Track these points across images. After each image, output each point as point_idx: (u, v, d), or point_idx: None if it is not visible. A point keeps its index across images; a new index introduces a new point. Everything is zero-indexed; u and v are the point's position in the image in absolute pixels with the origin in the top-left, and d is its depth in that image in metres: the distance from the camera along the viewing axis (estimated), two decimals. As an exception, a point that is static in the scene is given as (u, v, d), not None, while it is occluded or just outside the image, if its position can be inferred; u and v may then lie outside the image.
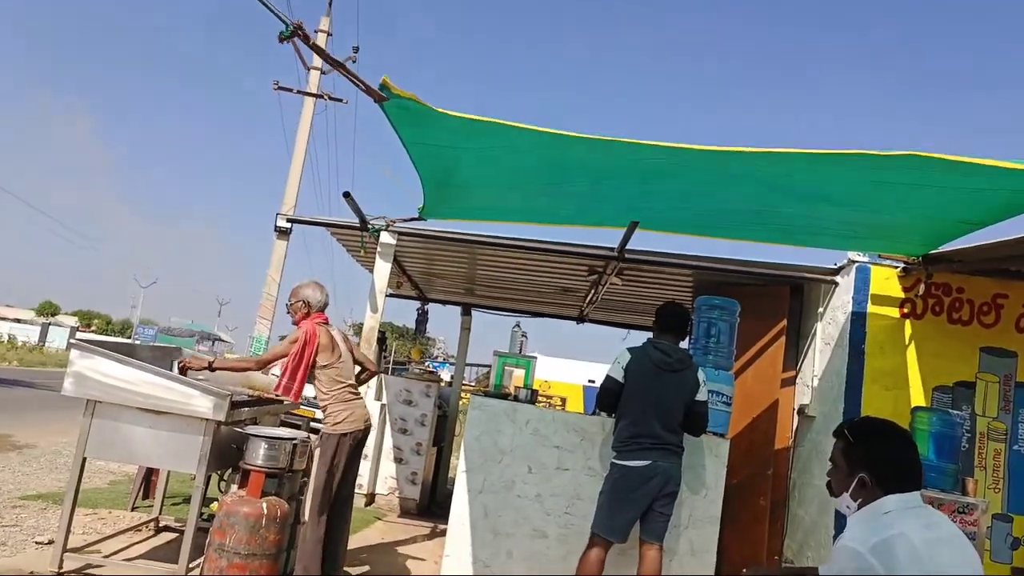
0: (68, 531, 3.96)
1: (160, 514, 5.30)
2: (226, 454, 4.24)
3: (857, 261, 5.03)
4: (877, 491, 2.09)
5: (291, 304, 4.42)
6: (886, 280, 4.99)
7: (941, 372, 4.89)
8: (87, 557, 4.20)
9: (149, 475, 5.81)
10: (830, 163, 3.11)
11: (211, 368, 4.42)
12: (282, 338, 4.34)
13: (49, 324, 48.49)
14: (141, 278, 57.78)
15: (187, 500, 6.00)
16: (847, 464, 2.16)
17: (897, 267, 4.97)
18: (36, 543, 4.60)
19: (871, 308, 4.95)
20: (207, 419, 3.98)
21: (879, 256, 5.01)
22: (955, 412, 4.82)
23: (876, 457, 2.12)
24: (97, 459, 4.77)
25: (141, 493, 5.82)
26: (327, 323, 4.43)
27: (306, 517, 4.16)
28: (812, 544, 4.91)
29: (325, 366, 4.27)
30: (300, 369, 4.26)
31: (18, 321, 48.69)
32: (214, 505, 4.23)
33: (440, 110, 3.12)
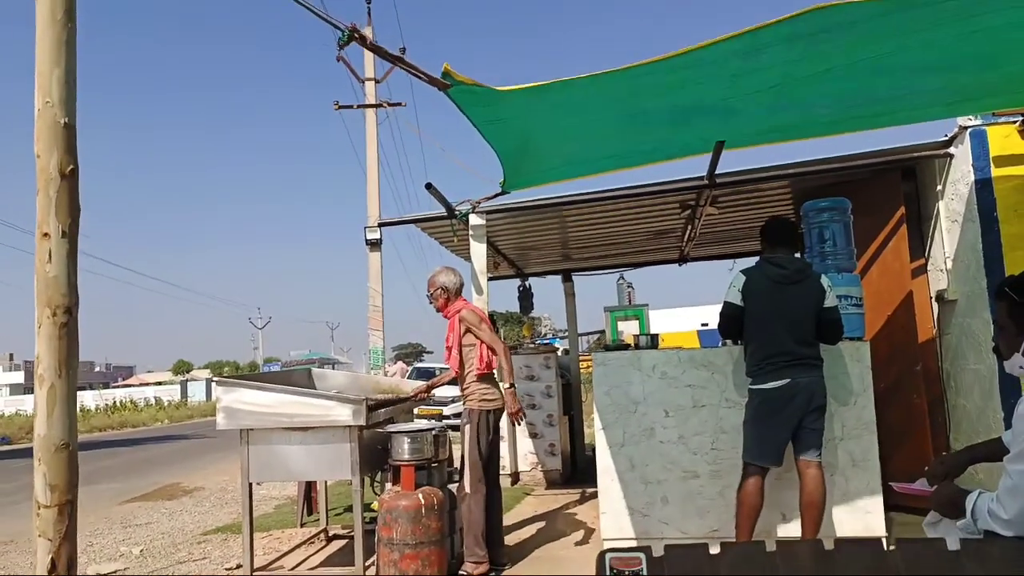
0: (252, 551, 4.24)
1: (327, 525, 5.60)
2: (374, 456, 4.42)
3: (969, 126, 4.66)
4: (1053, 347, 1.95)
5: (431, 294, 4.60)
6: (1006, 138, 4.60)
7: (1090, 221, 4.48)
8: (274, 573, 4.48)
9: (309, 492, 6.14)
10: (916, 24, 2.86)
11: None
12: (466, 332, 4.45)
13: (186, 381, 52.02)
14: (256, 320, 60.94)
15: (348, 508, 6.32)
16: (1016, 323, 2.02)
17: (1015, 121, 4.57)
18: (226, 570, 4.95)
19: (995, 172, 4.57)
20: (349, 426, 4.15)
21: (992, 115, 4.62)
22: (1116, 260, 4.42)
23: None
24: (260, 482, 5.07)
25: (305, 510, 6.16)
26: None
27: (467, 488, 4.28)
28: (981, 432, 4.62)
29: (473, 346, 4.43)
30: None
31: (159, 384, 52.53)
32: (375, 504, 4.43)
33: (501, 88, 3.11)
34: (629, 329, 7.80)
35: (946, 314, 5.02)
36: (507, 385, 4.39)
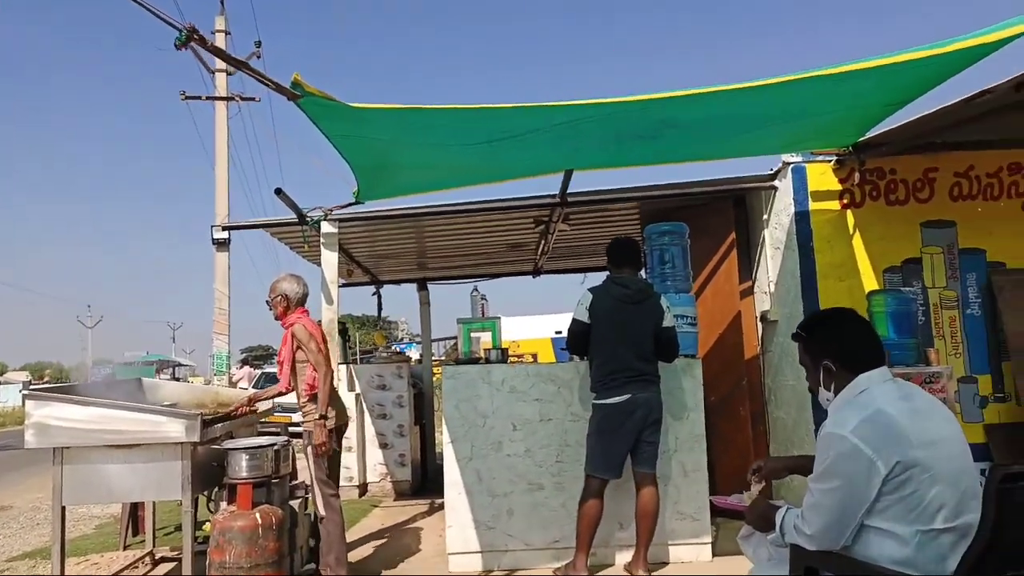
0: (63, 582, 3.86)
1: (154, 547, 5.21)
2: (208, 473, 4.16)
3: (792, 162, 5.11)
4: (846, 375, 2.13)
5: (271, 299, 4.31)
6: (822, 175, 5.09)
7: (888, 253, 5.04)
8: (88, 604, 4.11)
9: (135, 510, 5.67)
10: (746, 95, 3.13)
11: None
12: (298, 348, 4.20)
13: (-2, 384, 46.65)
14: (85, 319, 55.73)
15: (179, 528, 5.90)
16: (811, 359, 2.21)
17: (830, 161, 5.07)
18: (32, 602, 4.48)
19: (812, 205, 5.05)
20: (182, 443, 3.89)
21: (812, 153, 5.09)
22: (907, 289, 5.01)
23: (831, 341, 2.17)
24: (77, 505, 4.63)
25: (130, 530, 5.69)
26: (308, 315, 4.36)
27: (322, 511, 4.12)
28: (796, 441, 5.07)
29: (305, 363, 4.20)
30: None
31: (-36, 387, 46.79)
32: (207, 526, 4.17)
33: (355, 105, 3.03)
34: (485, 340, 7.88)
35: (769, 333, 5.46)
36: (317, 416, 4.07)
